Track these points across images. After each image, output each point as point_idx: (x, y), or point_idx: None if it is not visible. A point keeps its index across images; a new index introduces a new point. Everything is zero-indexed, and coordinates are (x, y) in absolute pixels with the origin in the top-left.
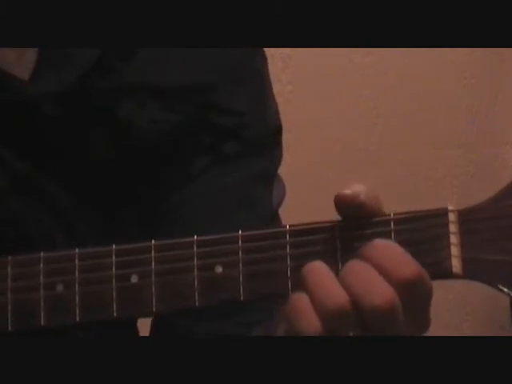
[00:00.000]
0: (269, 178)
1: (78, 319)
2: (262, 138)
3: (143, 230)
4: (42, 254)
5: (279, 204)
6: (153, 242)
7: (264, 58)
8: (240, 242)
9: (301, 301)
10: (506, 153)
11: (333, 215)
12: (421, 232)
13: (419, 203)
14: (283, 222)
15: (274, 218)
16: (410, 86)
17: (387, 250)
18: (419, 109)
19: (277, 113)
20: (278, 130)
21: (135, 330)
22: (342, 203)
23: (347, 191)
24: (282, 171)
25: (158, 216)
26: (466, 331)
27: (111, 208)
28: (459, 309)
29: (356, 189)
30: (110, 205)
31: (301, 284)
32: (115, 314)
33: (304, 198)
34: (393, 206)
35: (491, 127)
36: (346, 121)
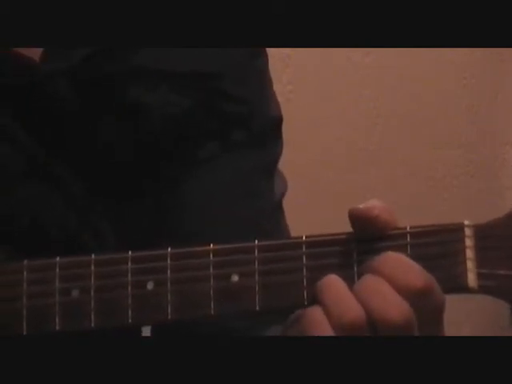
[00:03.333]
0: (271, 169)
1: (92, 325)
2: (266, 129)
3: (152, 221)
4: (57, 259)
5: (282, 195)
6: (169, 249)
7: (266, 57)
8: (256, 251)
9: (316, 314)
10: (506, 153)
11: (332, 215)
12: (437, 246)
13: (419, 203)
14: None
15: (277, 210)
16: (410, 86)
17: (397, 262)
18: (419, 109)
19: (278, 105)
20: (279, 122)
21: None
22: (355, 217)
23: (361, 205)
24: (282, 170)
25: (165, 207)
26: (466, 331)
27: (119, 200)
28: (459, 309)
29: (370, 204)
30: (117, 197)
31: (316, 297)
32: (130, 321)
33: (304, 197)
34: (393, 205)
35: (491, 127)
36: (346, 121)
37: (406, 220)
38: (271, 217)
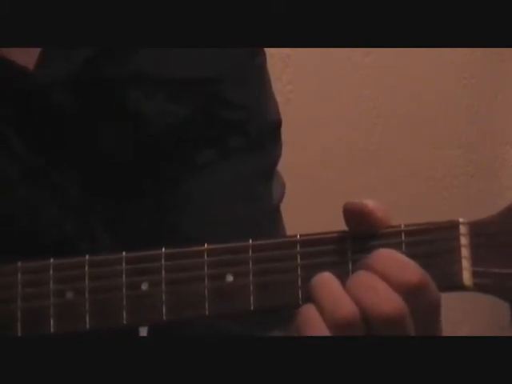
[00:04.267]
0: (270, 173)
1: (87, 326)
2: (264, 133)
3: (151, 222)
4: (51, 260)
5: (280, 199)
6: (163, 250)
7: (264, 55)
8: (251, 251)
9: (310, 312)
10: (506, 153)
11: (332, 215)
12: (432, 244)
13: (419, 203)
14: (284, 223)
15: (276, 213)
16: (410, 86)
17: (390, 258)
18: (419, 109)
19: (277, 108)
20: (278, 125)
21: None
22: (350, 212)
23: (356, 200)
24: (282, 171)
25: (164, 208)
26: (466, 331)
27: (119, 200)
28: (459, 308)
29: (365, 200)
30: (117, 197)
31: (310, 295)
32: (125, 322)
33: (304, 197)
34: (393, 205)
35: (491, 127)
36: (346, 121)
37: (406, 220)
38: (270, 219)
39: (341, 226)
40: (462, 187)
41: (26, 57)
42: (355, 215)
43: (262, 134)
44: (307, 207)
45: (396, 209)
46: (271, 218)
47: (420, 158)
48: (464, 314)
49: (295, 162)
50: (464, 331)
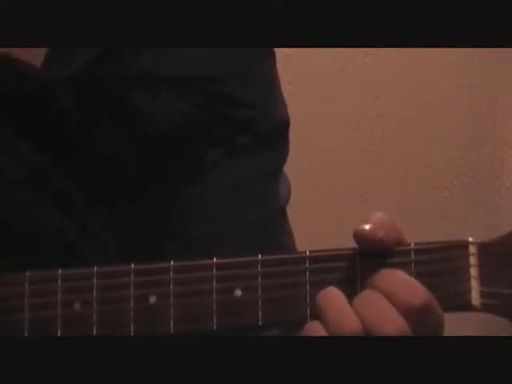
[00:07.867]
0: (276, 173)
1: None
2: (271, 133)
3: (157, 223)
4: (60, 271)
5: (287, 201)
6: (172, 262)
7: (273, 55)
8: (259, 266)
9: (315, 328)
10: (506, 153)
11: (331, 215)
12: (441, 263)
13: (419, 203)
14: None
15: (281, 214)
16: (410, 85)
17: (397, 278)
18: (419, 109)
19: (285, 108)
20: (286, 126)
21: None
22: (360, 238)
23: (366, 227)
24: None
25: (170, 209)
26: (466, 331)
27: (123, 202)
28: None
29: (376, 220)
30: (122, 199)
31: (315, 309)
32: (132, 334)
33: (304, 197)
34: (393, 206)
35: (491, 127)
36: (346, 121)
37: (406, 220)
38: (274, 221)
39: (340, 226)
40: (462, 187)
41: (32, 58)
42: (366, 242)
43: (269, 133)
44: (307, 207)
45: (396, 209)
46: (276, 220)
47: (420, 158)
48: (465, 314)
49: (295, 162)
50: (464, 331)
